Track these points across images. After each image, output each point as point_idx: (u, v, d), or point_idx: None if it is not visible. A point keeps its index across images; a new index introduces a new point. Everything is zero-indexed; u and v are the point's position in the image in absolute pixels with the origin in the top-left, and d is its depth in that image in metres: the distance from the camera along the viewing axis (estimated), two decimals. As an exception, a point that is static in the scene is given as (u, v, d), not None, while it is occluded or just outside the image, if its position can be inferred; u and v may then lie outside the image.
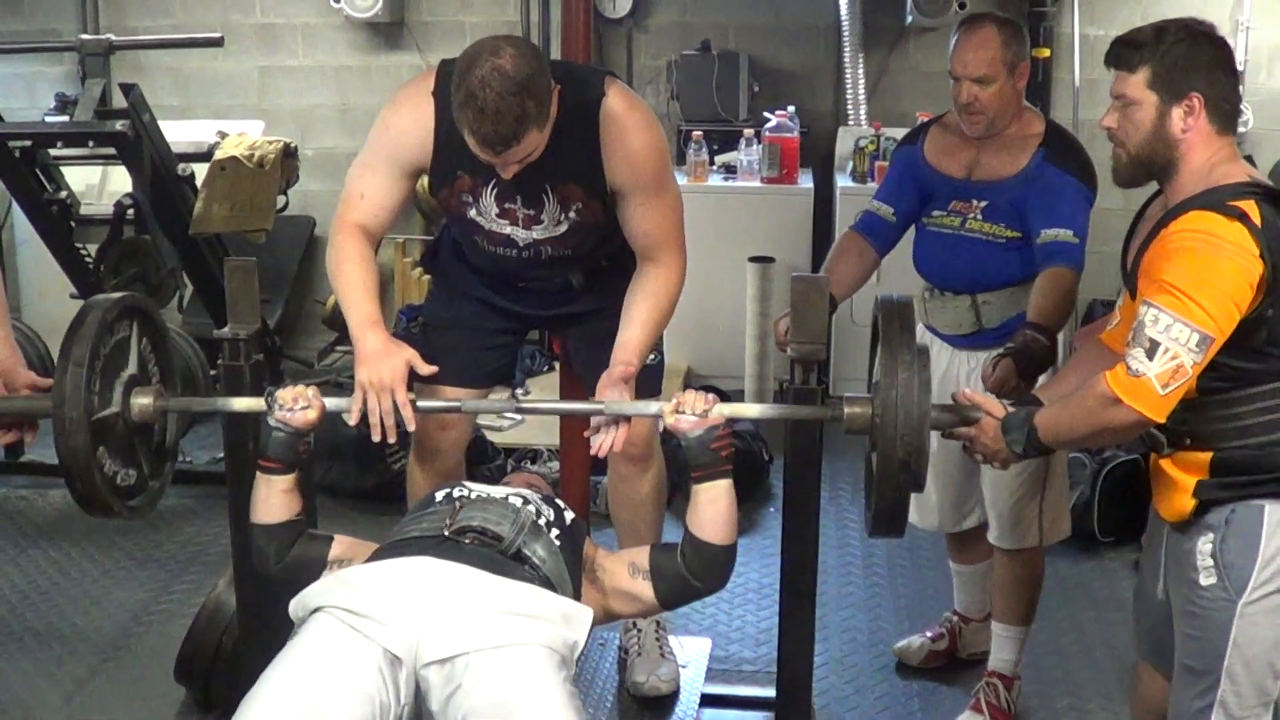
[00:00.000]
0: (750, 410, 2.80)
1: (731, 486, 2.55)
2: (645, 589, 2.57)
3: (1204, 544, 2.35)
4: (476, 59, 2.47)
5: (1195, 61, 2.29)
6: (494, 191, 2.81)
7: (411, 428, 2.69)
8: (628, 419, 2.68)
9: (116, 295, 2.71)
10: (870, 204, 3.43)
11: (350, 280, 2.80)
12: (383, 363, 2.67)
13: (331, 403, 2.65)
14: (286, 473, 2.60)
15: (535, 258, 2.92)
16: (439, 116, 2.75)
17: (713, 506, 2.53)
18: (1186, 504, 2.36)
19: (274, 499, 2.60)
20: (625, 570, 2.60)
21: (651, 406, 2.64)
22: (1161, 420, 2.24)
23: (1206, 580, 2.34)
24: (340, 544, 2.62)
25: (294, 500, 2.61)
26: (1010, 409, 2.48)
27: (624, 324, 2.85)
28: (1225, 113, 2.32)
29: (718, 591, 2.63)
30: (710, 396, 2.54)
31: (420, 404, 2.71)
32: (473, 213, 2.86)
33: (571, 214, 2.83)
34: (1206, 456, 2.33)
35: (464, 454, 3.30)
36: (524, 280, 3.05)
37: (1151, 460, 2.46)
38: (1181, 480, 2.36)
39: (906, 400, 2.34)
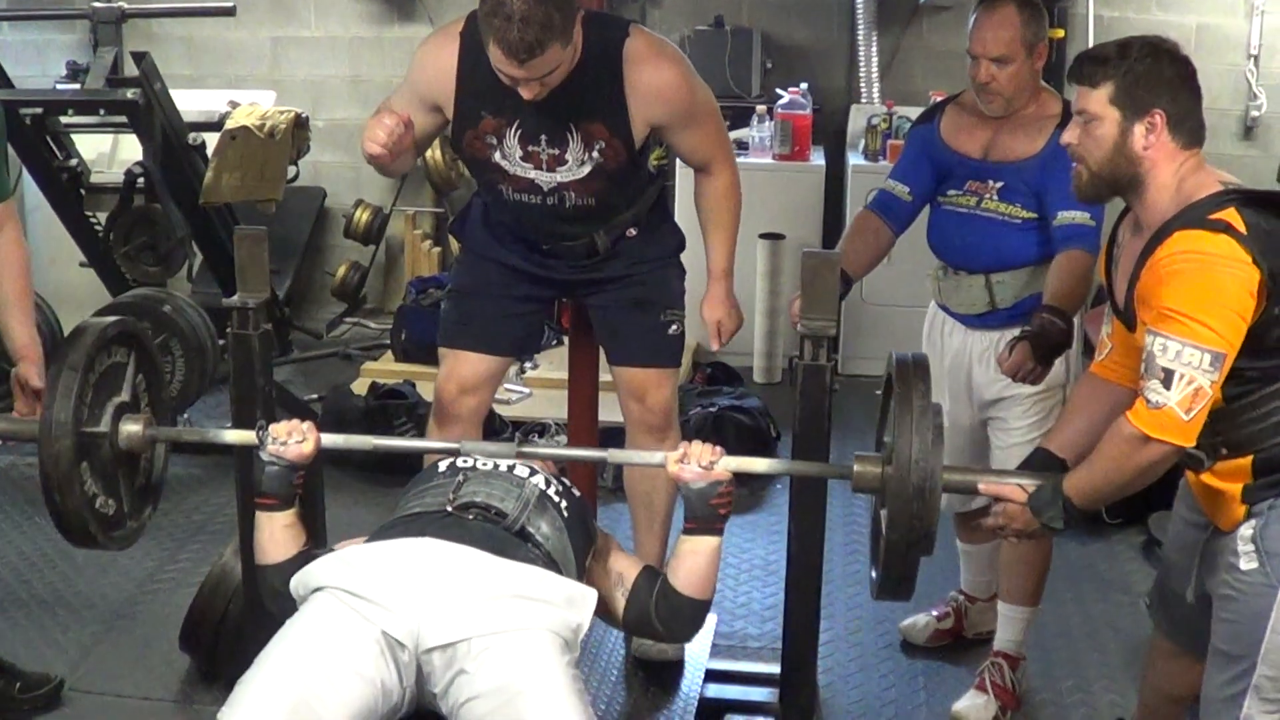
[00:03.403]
0: (757, 465, 2.61)
1: (720, 546, 2.50)
2: (618, 604, 2.56)
3: (1245, 529, 2.33)
4: None
5: (1158, 78, 2.29)
6: (518, 133, 2.88)
7: (399, 128, 2.76)
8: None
9: (116, 318, 2.62)
10: (885, 183, 3.41)
11: None
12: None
13: (328, 438, 2.56)
14: (285, 508, 2.50)
15: (559, 205, 2.96)
16: (463, 54, 2.86)
17: (693, 559, 2.48)
18: (1239, 511, 2.34)
19: (278, 535, 2.50)
20: (611, 576, 2.58)
21: (656, 456, 2.60)
22: (1191, 444, 2.23)
23: (1247, 565, 2.32)
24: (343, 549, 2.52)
25: (299, 532, 2.53)
26: (1030, 488, 2.40)
27: (706, 233, 3.16)
28: (1189, 129, 2.31)
29: (682, 641, 2.59)
30: (718, 449, 2.47)
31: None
32: (496, 156, 2.92)
33: (595, 154, 2.88)
34: (1247, 461, 2.31)
35: (482, 423, 3.31)
36: (549, 240, 3.08)
37: (1192, 480, 2.42)
38: (1229, 490, 2.34)
39: (920, 455, 2.26)
